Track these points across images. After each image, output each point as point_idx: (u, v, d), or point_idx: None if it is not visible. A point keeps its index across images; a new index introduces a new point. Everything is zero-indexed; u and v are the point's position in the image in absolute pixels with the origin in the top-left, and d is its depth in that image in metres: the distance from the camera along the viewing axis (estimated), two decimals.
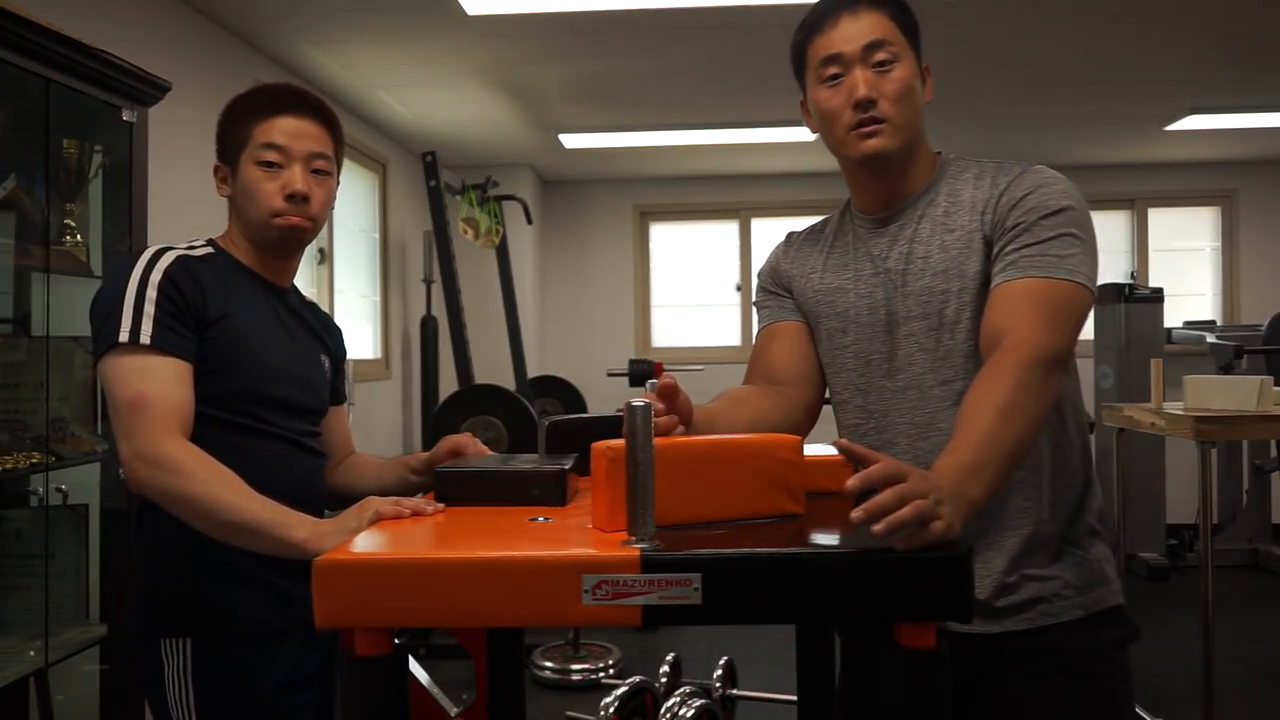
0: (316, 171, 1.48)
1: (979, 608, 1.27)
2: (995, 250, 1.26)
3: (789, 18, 3.40)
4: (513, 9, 3.24)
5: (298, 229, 1.48)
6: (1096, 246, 1.26)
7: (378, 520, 1.14)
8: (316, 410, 1.56)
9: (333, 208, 1.57)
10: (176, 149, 3.05)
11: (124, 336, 1.32)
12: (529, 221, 5.18)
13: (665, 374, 1.22)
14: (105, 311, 1.35)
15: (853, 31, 1.29)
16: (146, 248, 1.44)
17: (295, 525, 1.25)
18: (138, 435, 1.29)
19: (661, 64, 3.96)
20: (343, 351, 1.70)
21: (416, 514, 1.15)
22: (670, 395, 1.19)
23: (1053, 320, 1.18)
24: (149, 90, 2.28)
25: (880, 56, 1.29)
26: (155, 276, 1.36)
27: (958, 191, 1.33)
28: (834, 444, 1.04)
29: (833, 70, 1.31)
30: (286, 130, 1.46)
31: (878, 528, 0.88)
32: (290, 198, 1.45)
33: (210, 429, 1.37)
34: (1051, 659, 1.26)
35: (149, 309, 1.33)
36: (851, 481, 0.91)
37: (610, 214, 6.57)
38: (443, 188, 4.14)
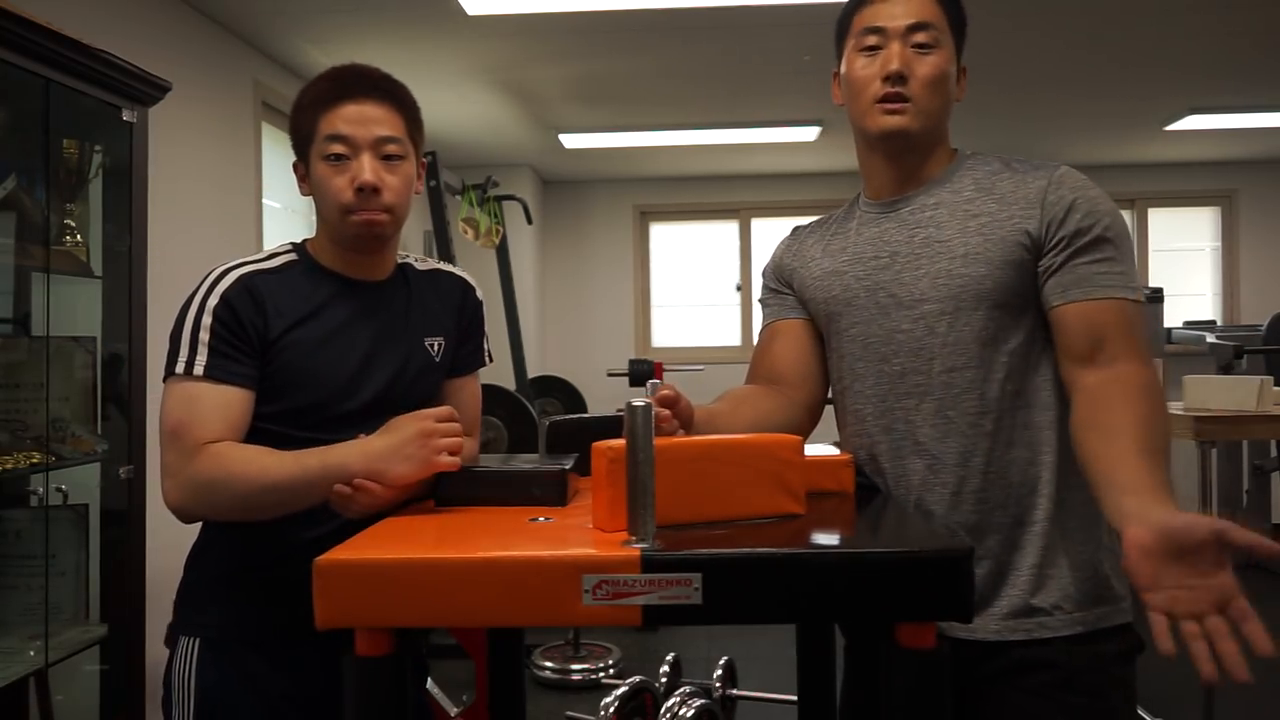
0: (388, 157, 1.37)
1: (984, 609, 1.26)
2: (1056, 258, 1.25)
3: (789, 18, 3.42)
4: (513, 9, 3.24)
5: (374, 224, 1.37)
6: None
7: (425, 434, 1.22)
8: (410, 404, 1.43)
9: (418, 192, 1.47)
10: (176, 149, 3.05)
11: (179, 367, 1.31)
12: (529, 221, 5.18)
13: (665, 383, 1.21)
14: (173, 337, 1.34)
15: (901, 9, 1.30)
16: (216, 266, 1.38)
17: (344, 463, 1.24)
18: (171, 463, 1.29)
19: (661, 64, 3.96)
20: (471, 316, 1.56)
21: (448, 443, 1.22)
22: (671, 403, 1.19)
23: (1146, 343, 1.24)
24: (149, 90, 2.28)
25: (921, 38, 1.29)
26: (212, 302, 1.33)
27: (980, 180, 1.32)
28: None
29: (872, 40, 1.31)
30: (350, 118, 1.36)
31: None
32: (360, 191, 1.35)
33: (280, 447, 1.33)
34: (1049, 673, 1.24)
35: (204, 336, 1.31)
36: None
37: (610, 214, 6.57)
38: (443, 188, 4.14)
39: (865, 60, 1.32)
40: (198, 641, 1.38)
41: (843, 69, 1.37)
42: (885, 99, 1.29)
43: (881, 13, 1.31)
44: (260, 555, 1.37)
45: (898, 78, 1.28)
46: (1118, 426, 1.14)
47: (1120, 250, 1.26)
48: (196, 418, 1.29)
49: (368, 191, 1.35)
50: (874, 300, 1.34)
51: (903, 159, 1.35)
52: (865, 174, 1.41)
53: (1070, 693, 1.23)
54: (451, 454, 1.24)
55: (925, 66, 1.29)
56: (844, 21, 1.38)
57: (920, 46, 1.29)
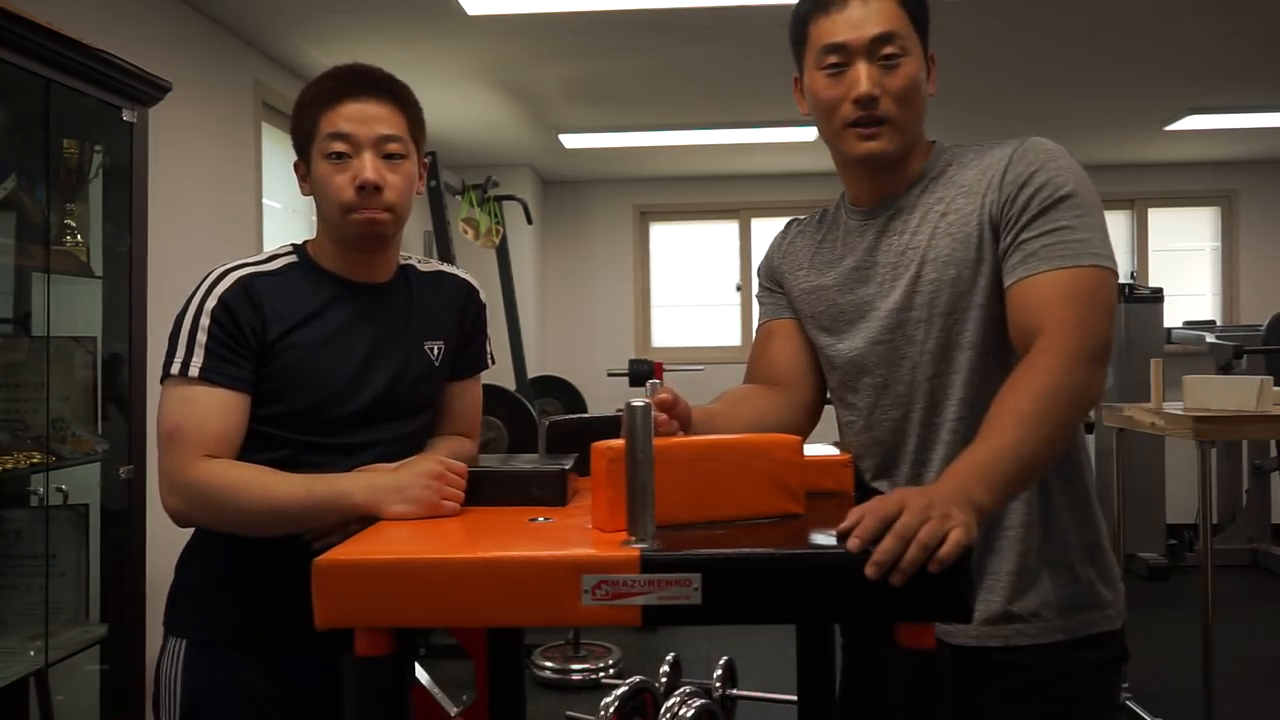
0: (389, 156, 1.36)
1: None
2: (1007, 238, 1.20)
3: (789, 18, 3.41)
4: (513, 9, 3.24)
5: (375, 223, 1.36)
6: (1104, 218, 1.21)
7: (434, 477, 1.20)
8: (408, 408, 1.46)
9: (420, 192, 1.46)
10: (176, 149, 3.05)
11: (175, 369, 1.31)
12: (529, 221, 5.18)
13: (663, 386, 1.21)
14: (170, 339, 1.34)
15: (860, 18, 1.21)
16: (215, 268, 1.37)
17: (349, 493, 1.24)
18: (168, 467, 1.29)
19: (661, 64, 3.96)
20: (472, 321, 1.55)
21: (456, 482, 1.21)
22: (669, 406, 1.18)
23: (1087, 315, 1.14)
24: (149, 90, 2.28)
25: (888, 50, 1.21)
26: (210, 303, 1.32)
27: (952, 177, 1.27)
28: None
29: (834, 60, 1.23)
30: (351, 116, 1.35)
31: (894, 579, 0.89)
32: (361, 189, 1.34)
33: (277, 449, 1.35)
34: (1022, 677, 1.21)
35: (201, 338, 1.31)
36: (852, 542, 0.91)
37: (610, 214, 6.57)
38: (443, 188, 4.14)
39: (829, 80, 1.24)
40: (185, 643, 1.39)
41: (806, 82, 1.30)
42: (858, 123, 1.23)
43: (840, 26, 1.21)
44: (251, 558, 1.36)
45: (869, 100, 1.21)
46: (996, 414, 1.10)
47: (1077, 215, 1.17)
48: (193, 421, 1.29)
49: (369, 189, 1.35)
50: (859, 314, 1.32)
51: (880, 173, 1.30)
52: (844, 182, 1.37)
53: (1042, 698, 1.21)
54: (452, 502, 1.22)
55: (896, 81, 1.21)
56: (799, 29, 1.29)
57: (887, 59, 1.21)
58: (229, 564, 1.39)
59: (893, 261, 1.29)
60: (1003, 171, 1.22)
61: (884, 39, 1.21)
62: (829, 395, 1.43)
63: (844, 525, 0.93)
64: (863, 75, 1.21)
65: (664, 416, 1.16)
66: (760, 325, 1.49)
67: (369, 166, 1.35)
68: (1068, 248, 1.16)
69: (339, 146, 1.35)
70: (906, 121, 1.24)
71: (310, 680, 1.39)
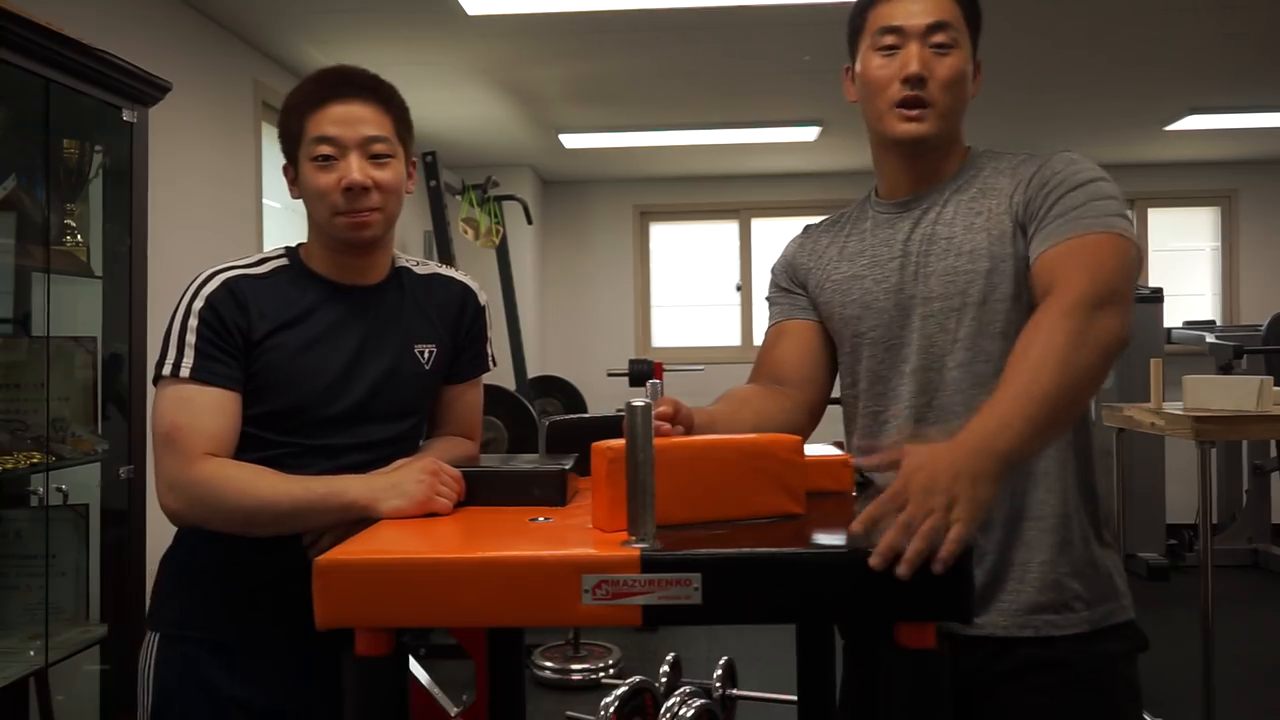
0: (376, 156, 1.36)
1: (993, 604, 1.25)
2: (1030, 231, 1.25)
3: (789, 18, 3.42)
4: (513, 9, 3.24)
5: (362, 225, 1.36)
6: (1125, 208, 1.26)
7: (428, 473, 1.21)
8: (396, 411, 1.45)
9: (409, 192, 1.45)
10: (176, 149, 3.05)
11: (167, 370, 1.32)
12: (529, 221, 5.18)
13: (662, 399, 1.20)
14: (162, 341, 1.35)
15: (919, 7, 1.29)
16: (204, 270, 1.38)
17: (345, 489, 1.25)
18: (166, 466, 1.29)
19: (661, 64, 3.96)
20: (470, 325, 1.53)
21: (446, 481, 1.22)
22: (669, 418, 1.18)
23: (1093, 263, 1.16)
24: (149, 90, 2.28)
25: (940, 39, 1.28)
26: (197, 305, 1.33)
27: (987, 178, 1.32)
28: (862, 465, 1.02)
29: (889, 40, 1.30)
30: (336, 118, 1.35)
31: (901, 570, 0.89)
32: (348, 191, 1.34)
33: (261, 450, 1.35)
34: (1056, 673, 1.23)
35: (190, 339, 1.32)
36: (855, 525, 0.92)
37: (610, 214, 6.57)
38: (443, 188, 4.14)
39: (882, 60, 1.30)
40: (158, 636, 1.39)
41: (858, 67, 1.35)
42: (904, 103, 1.28)
43: (899, 11, 1.29)
44: (226, 557, 1.36)
45: (917, 80, 1.27)
46: (1010, 364, 1.11)
47: (1095, 198, 1.22)
48: (190, 421, 1.30)
49: (356, 191, 1.35)
50: (893, 303, 1.34)
51: (918, 160, 1.34)
52: (879, 171, 1.41)
53: (1076, 690, 1.23)
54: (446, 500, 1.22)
55: (944, 68, 1.28)
56: (858, 17, 1.36)
57: (939, 47, 1.28)
58: (203, 562, 1.39)
59: (926, 250, 1.32)
60: (1032, 174, 1.28)
61: (938, 26, 1.29)
62: (838, 394, 1.43)
63: (855, 526, 0.95)
64: (914, 55, 1.28)
65: (668, 426, 1.16)
66: (772, 325, 1.50)
67: (355, 168, 1.35)
68: (1083, 220, 1.21)
69: (325, 150, 1.35)
70: (949, 109, 1.30)
71: (277, 687, 1.38)
